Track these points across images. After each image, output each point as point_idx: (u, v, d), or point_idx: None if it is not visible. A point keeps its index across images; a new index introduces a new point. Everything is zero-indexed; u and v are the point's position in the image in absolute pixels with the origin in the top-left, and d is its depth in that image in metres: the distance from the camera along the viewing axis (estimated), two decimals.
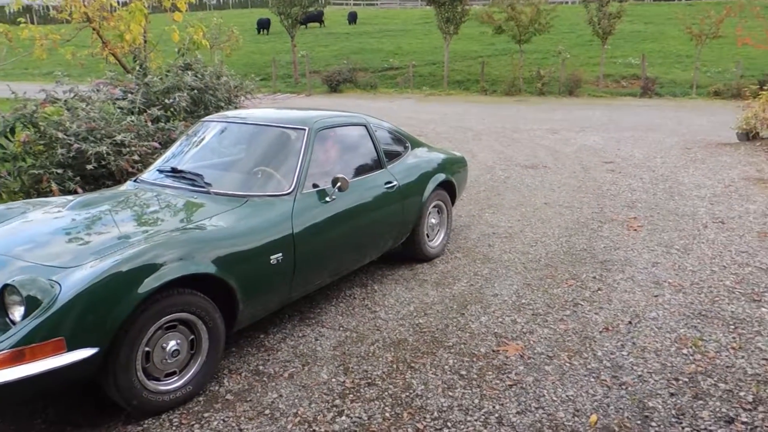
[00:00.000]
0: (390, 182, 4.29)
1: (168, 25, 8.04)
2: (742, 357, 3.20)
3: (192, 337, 2.86)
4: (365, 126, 4.37)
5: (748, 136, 10.49)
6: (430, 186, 4.60)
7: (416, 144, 4.98)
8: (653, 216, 5.92)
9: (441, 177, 4.75)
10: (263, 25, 34.30)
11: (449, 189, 4.96)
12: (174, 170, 3.74)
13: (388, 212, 4.24)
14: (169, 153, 4.08)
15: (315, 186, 3.61)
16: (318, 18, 33.42)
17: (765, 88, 10.91)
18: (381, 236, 4.23)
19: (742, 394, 2.86)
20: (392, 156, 4.48)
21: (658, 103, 17.88)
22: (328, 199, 3.59)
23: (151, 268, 2.61)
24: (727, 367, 3.10)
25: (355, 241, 3.95)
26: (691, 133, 11.58)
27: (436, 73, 23.34)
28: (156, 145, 5.72)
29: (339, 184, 3.56)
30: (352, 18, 36.54)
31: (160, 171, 3.83)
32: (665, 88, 19.74)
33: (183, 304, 2.75)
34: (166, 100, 6.72)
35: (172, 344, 2.78)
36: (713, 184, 7.24)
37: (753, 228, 5.44)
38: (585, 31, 24.13)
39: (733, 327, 3.54)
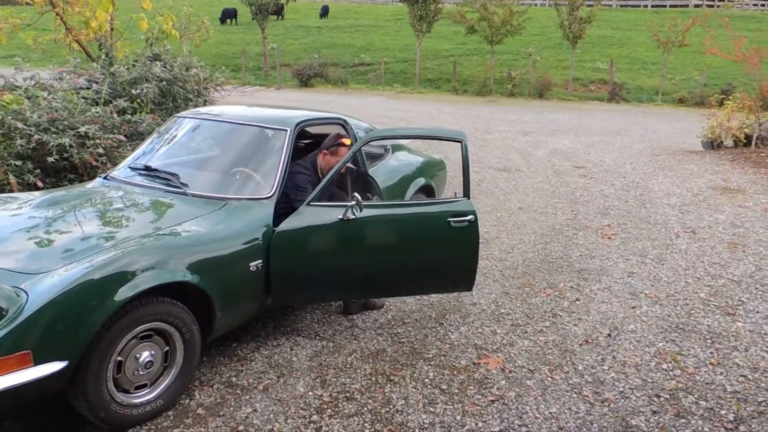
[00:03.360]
0: (462, 216, 3.45)
1: (136, 13, 7.74)
2: (721, 373, 3.20)
3: (167, 348, 2.71)
4: (462, 142, 3.57)
5: (713, 144, 10.73)
6: (411, 190, 4.50)
7: (396, 146, 4.88)
8: (626, 224, 5.95)
9: (421, 181, 4.66)
10: (229, 14, 33.44)
11: (428, 193, 4.87)
12: (147, 168, 3.56)
13: (439, 250, 3.47)
14: (140, 150, 3.88)
15: (332, 200, 3.33)
16: (278, 11, 32.42)
17: (730, 97, 11.18)
18: (424, 276, 3.51)
19: (723, 412, 2.85)
20: (373, 158, 4.37)
21: (625, 108, 18.19)
22: (340, 217, 3.17)
23: (125, 276, 2.47)
24: (707, 383, 3.10)
25: (375, 272, 3.36)
26: (657, 140, 11.78)
27: (407, 71, 23.26)
28: (122, 138, 5.48)
29: (354, 203, 3.17)
30: (324, 12, 36.15)
31: (132, 168, 3.64)
32: (632, 94, 20.11)
33: (160, 314, 2.62)
34: (133, 91, 6.46)
35: (145, 355, 2.63)
36: (682, 192, 7.34)
37: (723, 239, 5.51)
38: (555, 34, 24.38)
39: (710, 341, 3.56)
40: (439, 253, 3.49)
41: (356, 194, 3.20)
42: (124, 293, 2.43)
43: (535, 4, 36.14)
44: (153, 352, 2.65)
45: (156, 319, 2.60)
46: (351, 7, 42.67)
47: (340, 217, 3.19)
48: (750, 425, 2.76)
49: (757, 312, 3.97)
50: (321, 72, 21.91)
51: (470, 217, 3.47)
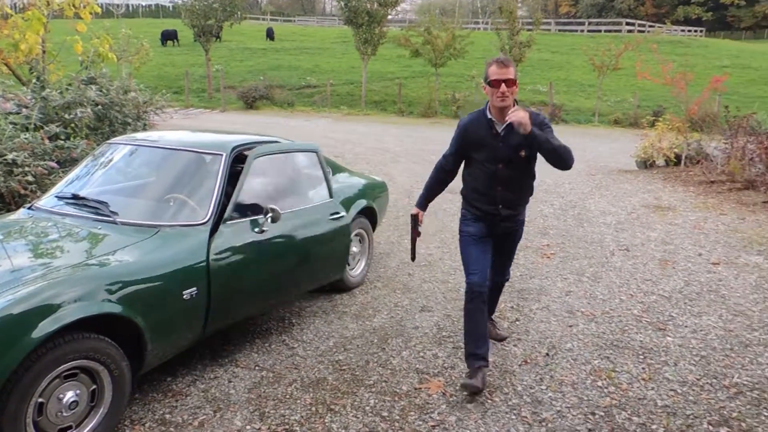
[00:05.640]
0: (337, 213, 4.25)
1: (71, 35, 7.53)
2: (652, 388, 3.30)
3: (94, 387, 2.59)
4: (315, 153, 4.31)
5: (646, 164, 11.21)
6: (352, 212, 4.50)
7: (337, 169, 4.89)
8: (564, 243, 6.12)
9: (362, 203, 4.67)
10: (169, 36, 32.86)
11: (370, 215, 4.89)
12: (75, 197, 3.43)
13: (329, 245, 4.16)
14: (69, 177, 3.74)
15: (247, 215, 3.43)
16: (217, 33, 31.81)
17: (660, 119, 11.73)
18: (320, 270, 4.13)
19: (654, 427, 2.94)
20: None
21: (564, 129, 18.76)
22: (257, 230, 3.40)
23: (47, 310, 2.35)
24: (639, 399, 3.19)
25: (290, 275, 3.82)
26: (594, 160, 12.21)
27: (353, 93, 23.44)
28: (53, 165, 5.30)
29: (271, 214, 3.38)
30: (270, 34, 36.11)
31: (59, 197, 3.50)
32: (570, 115, 20.84)
33: (85, 351, 2.49)
34: (67, 116, 6.27)
35: (70, 395, 2.50)
36: (617, 211, 7.62)
37: (655, 256, 5.73)
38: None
39: (642, 357, 3.67)
40: (329, 246, 4.16)
41: (272, 206, 3.39)
42: (45, 328, 2.32)
43: (478, 29, 37.15)
44: (78, 391, 2.53)
45: (81, 356, 2.49)
46: (297, 30, 42.80)
47: (257, 230, 3.41)
48: None
49: (686, 326, 4.13)
50: (266, 94, 21.82)
51: (342, 213, 4.30)
